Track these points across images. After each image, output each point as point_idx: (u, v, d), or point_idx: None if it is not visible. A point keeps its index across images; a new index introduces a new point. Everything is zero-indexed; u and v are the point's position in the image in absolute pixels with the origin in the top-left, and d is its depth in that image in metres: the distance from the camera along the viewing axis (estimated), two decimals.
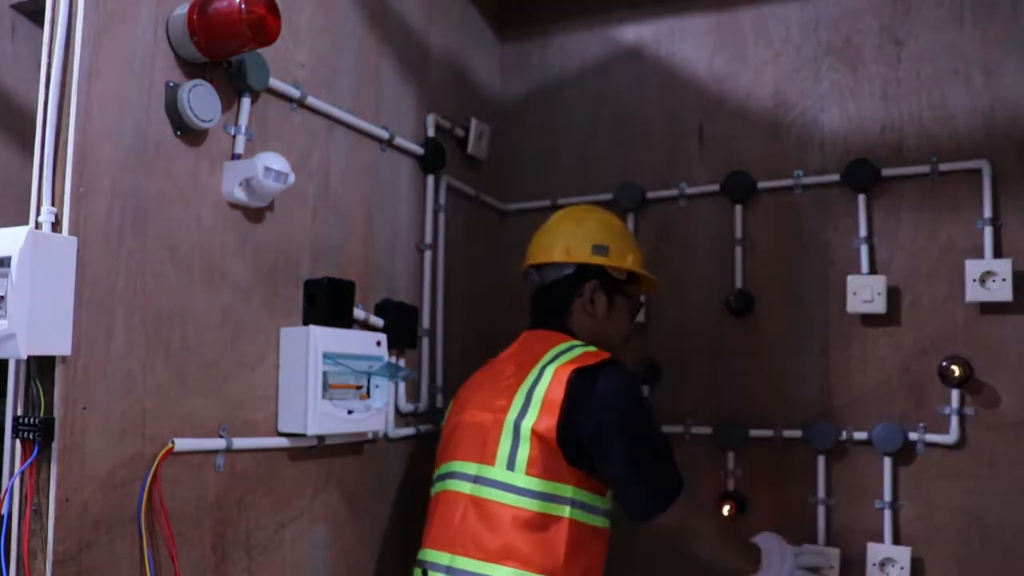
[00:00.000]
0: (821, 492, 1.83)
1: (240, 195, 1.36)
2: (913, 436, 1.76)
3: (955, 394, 1.73)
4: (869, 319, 1.83)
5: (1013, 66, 1.75)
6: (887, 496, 1.77)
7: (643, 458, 1.49)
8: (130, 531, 1.18)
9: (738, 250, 1.97)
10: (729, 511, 1.87)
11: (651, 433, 1.54)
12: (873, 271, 1.83)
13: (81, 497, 1.11)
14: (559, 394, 1.46)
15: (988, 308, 1.73)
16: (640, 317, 2.04)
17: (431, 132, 1.92)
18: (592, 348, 1.57)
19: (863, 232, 1.84)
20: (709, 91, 2.05)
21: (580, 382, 1.47)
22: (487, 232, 2.21)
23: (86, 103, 1.14)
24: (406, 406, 1.80)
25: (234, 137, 1.38)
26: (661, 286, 1.80)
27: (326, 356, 1.45)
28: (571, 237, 1.68)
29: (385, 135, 1.75)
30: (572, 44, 2.24)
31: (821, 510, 1.83)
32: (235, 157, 1.38)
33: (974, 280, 1.70)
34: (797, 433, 1.87)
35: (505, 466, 1.45)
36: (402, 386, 1.79)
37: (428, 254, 1.91)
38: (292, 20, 1.49)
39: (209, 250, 1.33)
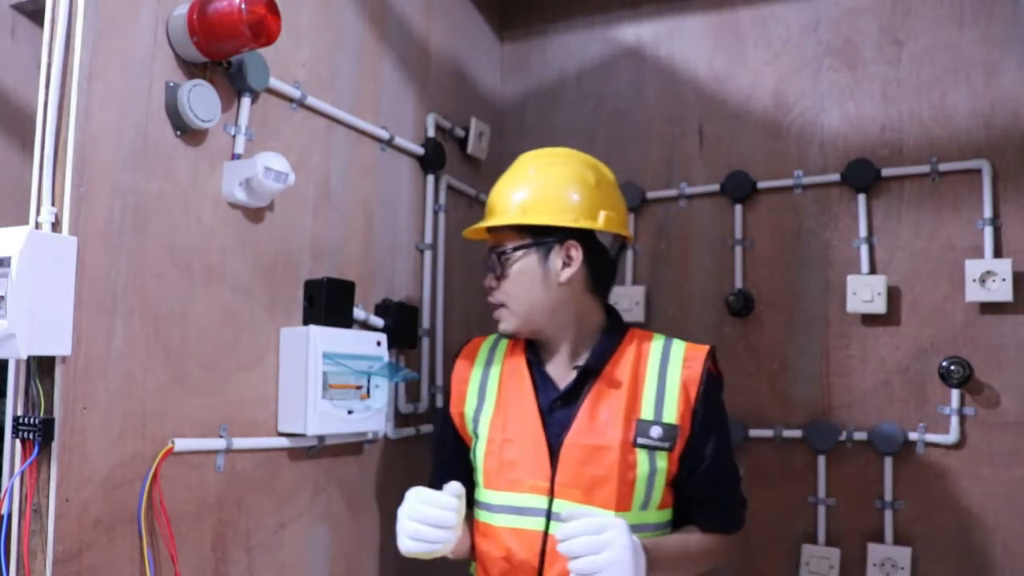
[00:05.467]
0: (821, 492, 1.83)
1: (240, 195, 1.36)
2: (913, 436, 1.76)
3: (955, 394, 1.73)
4: (869, 319, 1.83)
5: (1013, 66, 1.75)
6: (887, 496, 1.77)
7: None
8: (130, 531, 1.18)
9: (738, 250, 1.97)
10: None
11: None
12: (873, 271, 1.83)
13: (81, 497, 1.11)
14: None
15: (988, 308, 1.72)
16: (640, 314, 2.04)
17: (431, 132, 1.93)
18: None
19: (863, 232, 1.84)
20: (709, 91, 2.05)
21: None
22: None
23: (86, 103, 1.14)
24: (406, 406, 1.80)
25: (234, 137, 1.38)
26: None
27: (326, 356, 1.45)
28: None
29: (385, 135, 1.75)
30: (572, 44, 2.24)
31: (821, 510, 1.83)
32: (235, 157, 1.38)
33: (974, 280, 1.70)
34: (797, 433, 1.87)
35: None
36: (402, 386, 1.79)
37: (428, 254, 1.91)
38: (292, 20, 1.49)
39: (209, 250, 1.34)
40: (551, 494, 1.30)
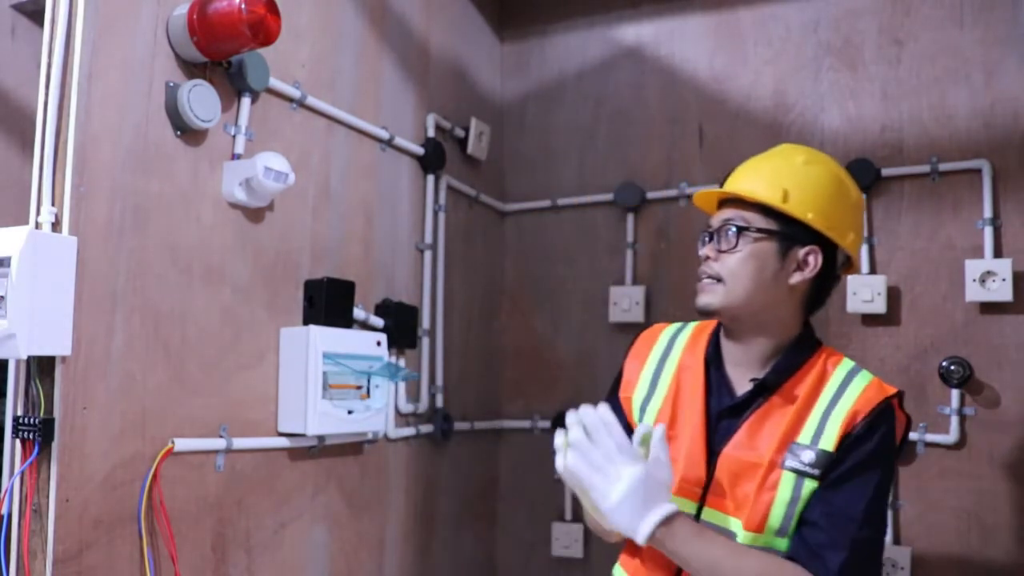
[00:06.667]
0: None
1: (240, 195, 1.36)
2: (913, 436, 1.76)
3: (955, 394, 1.73)
4: (869, 319, 1.83)
5: (1013, 66, 1.75)
6: None
7: None
8: (130, 531, 1.18)
9: None
10: None
11: None
12: (873, 271, 1.83)
13: (81, 497, 1.11)
14: None
15: (988, 308, 1.72)
16: (640, 314, 2.05)
17: (431, 132, 1.93)
18: None
19: (863, 232, 1.84)
20: (709, 91, 2.05)
21: None
22: (487, 232, 2.21)
23: (86, 103, 1.14)
24: (406, 406, 1.80)
25: (234, 137, 1.38)
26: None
27: (326, 356, 1.45)
28: None
29: (385, 135, 1.75)
30: (572, 44, 2.24)
31: None
32: (235, 157, 1.38)
33: (974, 280, 1.70)
34: None
35: None
36: (402, 386, 1.79)
37: (428, 254, 1.91)
38: (292, 20, 1.49)
39: (209, 250, 1.34)
40: (702, 501, 1.23)
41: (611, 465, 1.10)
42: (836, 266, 1.28)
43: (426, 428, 1.86)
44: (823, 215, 1.24)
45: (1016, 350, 1.70)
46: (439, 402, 1.92)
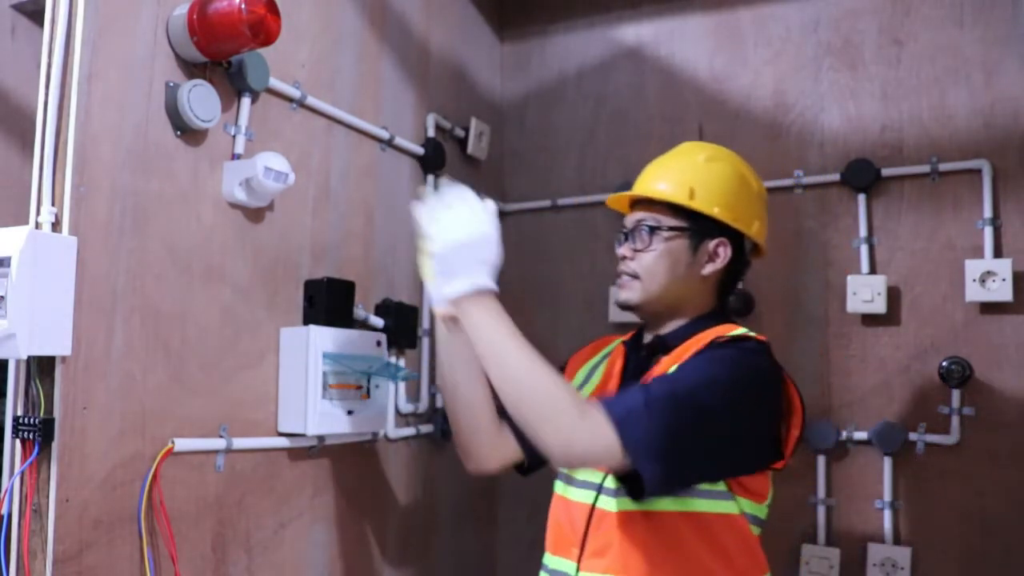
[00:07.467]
0: (821, 492, 1.83)
1: (240, 195, 1.36)
2: (913, 436, 1.76)
3: (955, 394, 1.73)
4: (869, 319, 1.83)
5: (1013, 66, 1.75)
6: (887, 496, 1.77)
7: None
8: (130, 531, 1.18)
9: None
10: None
11: None
12: (873, 271, 1.83)
13: (81, 497, 1.12)
14: None
15: (988, 308, 1.73)
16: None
17: (431, 132, 1.93)
18: None
19: (863, 232, 1.84)
20: (709, 91, 2.05)
21: None
22: None
23: (86, 103, 1.14)
24: (406, 406, 1.80)
25: (234, 137, 1.38)
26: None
27: (326, 356, 1.45)
28: None
29: (385, 135, 1.75)
30: (572, 44, 2.24)
31: (821, 510, 1.83)
32: (235, 157, 1.38)
33: (974, 280, 1.70)
34: None
35: None
36: (402, 386, 1.79)
37: None
38: (292, 20, 1.49)
39: (209, 250, 1.34)
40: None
41: (464, 209, 1.19)
42: (745, 253, 1.37)
43: (426, 428, 1.86)
44: (728, 208, 1.32)
45: (1016, 350, 1.70)
46: (439, 402, 1.92)
